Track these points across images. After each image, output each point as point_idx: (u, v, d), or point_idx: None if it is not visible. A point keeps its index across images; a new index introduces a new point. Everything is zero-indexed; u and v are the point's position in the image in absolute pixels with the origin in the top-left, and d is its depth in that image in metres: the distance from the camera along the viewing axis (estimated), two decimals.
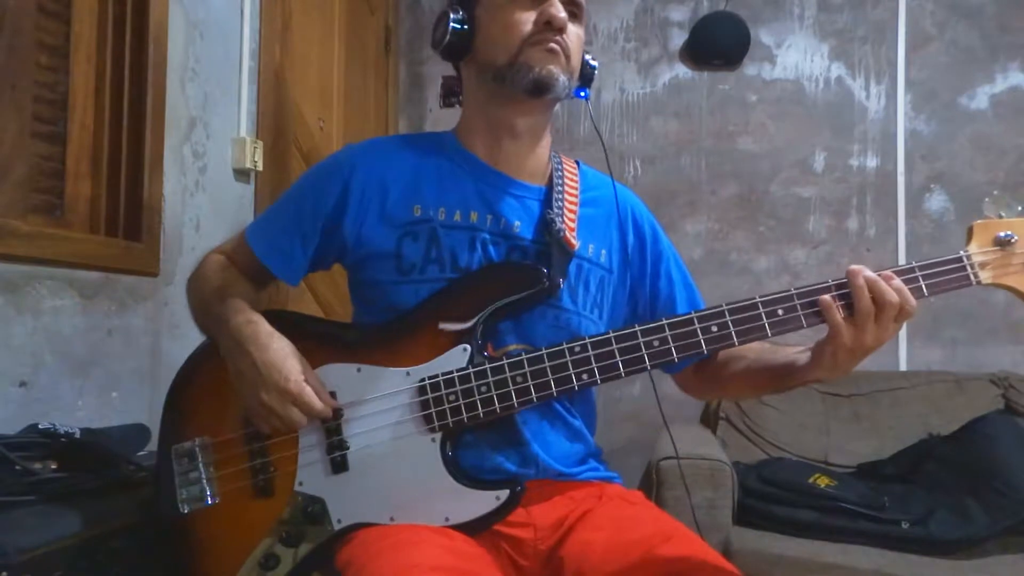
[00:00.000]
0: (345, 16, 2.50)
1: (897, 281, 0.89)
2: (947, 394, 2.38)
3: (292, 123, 2.13)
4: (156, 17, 1.54)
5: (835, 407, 2.41)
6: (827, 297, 0.90)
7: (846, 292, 0.90)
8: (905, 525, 1.79)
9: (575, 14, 1.04)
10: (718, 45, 2.81)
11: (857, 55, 2.80)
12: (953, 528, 1.77)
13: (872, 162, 2.77)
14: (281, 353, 0.94)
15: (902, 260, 2.66)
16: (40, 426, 1.12)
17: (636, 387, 2.59)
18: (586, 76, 1.10)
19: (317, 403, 0.92)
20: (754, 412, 2.41)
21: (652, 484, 1.82)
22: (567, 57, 1.01)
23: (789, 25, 2.85)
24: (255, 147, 1.91)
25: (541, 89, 1.00)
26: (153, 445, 1.26)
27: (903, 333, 2.68)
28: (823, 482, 1.94)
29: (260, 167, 1.93)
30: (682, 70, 2.90)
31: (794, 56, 2.84)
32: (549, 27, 0.99)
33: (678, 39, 2.90)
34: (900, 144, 2.75)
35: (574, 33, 1.04)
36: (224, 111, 1.84)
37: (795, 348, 0.99)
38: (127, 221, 1.51)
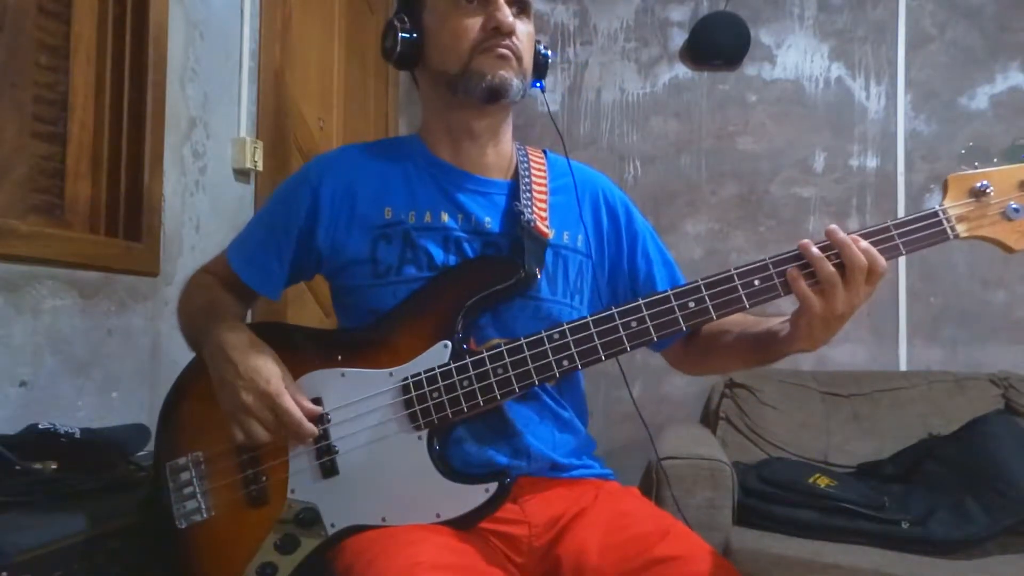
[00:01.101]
0: (345, 16, 2.50)
1: (864, 243, 0.88)
2: (947, 394, 2.37)
3: (292, 123, 2.13)
4: (156, 17, 1.54)
5: (835, 407, 2.41)
6: (793, 269, 0.89)
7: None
8: (905, 525, 1.79)
9: (522, 10, 1.04)
10: (718, 45, 2.81)
11: (857, 55, 2.80)
12: (953, 528, 1.77)
13: (872, 162, 2.77)
14: (262, 359, 0.95)
15: (902, 259, 2.66)
16: (40, 426, 1.12)
17: (636, 387, 2.59)
18: (540, 67, 1.10)
19: (294, 408, 0.92)
20: (754, 412, 2.41)
21: (652, 484, 1.82)
22: (518, 59, 1.02)
23: (789, 25, 2.85)
24: (255, 147, 1.91)
25: (495, 96, 1.01)
26: (152, 445, 1.27)
27: (903, 333, 2.69)
28: (823, 482, 1.94)
29: (260, 167, 1.93)
30: (682, 70, 2.90)
31: (794, 56, 2.84)
32: (497, 32, 0.99)
33: (678, 39, 2.90)
34: (900, 144, 2.75)
35: (524, 31, 1.03)
36: (224, 111, 1.84)
37: (778, 318, 0.99)
38: (127, 221, 1.51)
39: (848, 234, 0.88)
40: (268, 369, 0.94)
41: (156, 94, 1.55)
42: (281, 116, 2.07)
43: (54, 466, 1.05)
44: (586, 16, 2.95)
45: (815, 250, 0.88)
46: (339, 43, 2.47)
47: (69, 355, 1.35)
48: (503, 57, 1.00)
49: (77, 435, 1.12)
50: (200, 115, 1.74)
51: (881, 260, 0.88)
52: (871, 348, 2.71)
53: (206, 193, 1.76)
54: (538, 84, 1.11)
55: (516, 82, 1.01)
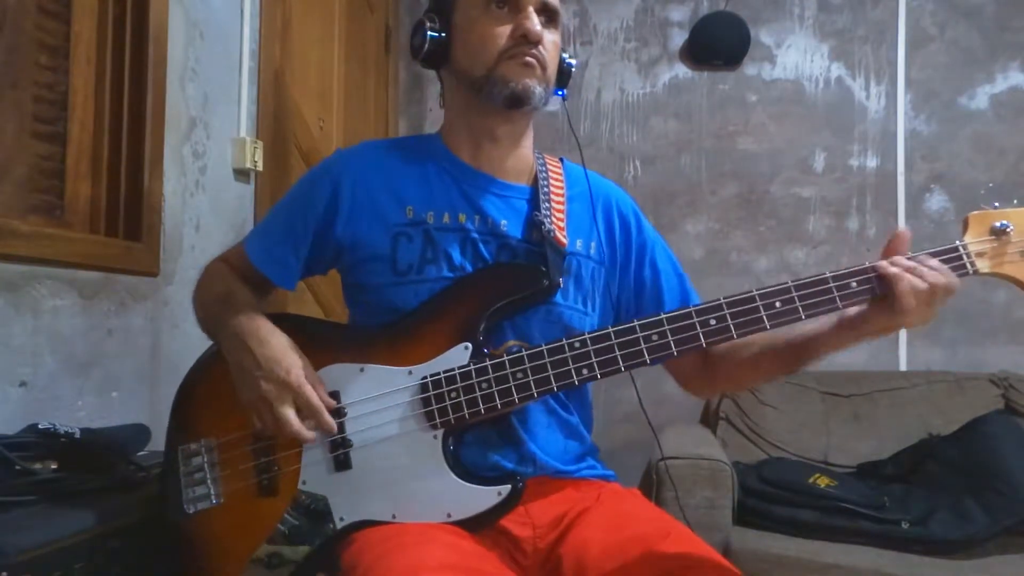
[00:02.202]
0: (345, 16, 2.50)
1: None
2: (947, 394, 2.38)
3: (292, 123, 2.13)
4: (156, 17, 1.54)
5: (835, 407, 2.41)
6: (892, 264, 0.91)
7: (843, 283, 0.91)
8: (905, 525, 1.79)
9: (551, 19, 1.04)
10: (718, 45, 2.81)
11: (857, 55, 2.80)
12: (953, 528, 1.77)
13: (872, 162, 2.77)
14: (281, 348, 0.95)
15: None
16: (40, 426, 1.12)
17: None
18: (563, 75, 1.10)
19: (315, 398, 0.93)
20: (754, 412, 2.41)
21: (652, 484, 1.83)
22: (543, 68, 1.02)
23: (789, 25, 2.85)
24: (255, 147, 1.91)
25: (518, 102, 1.01)
26: (153, 445, 1.27)
27: (903, 333, 2.69)
28: (823, 482, 1.94)
29: (260, 167, 1.93)
30: (682, 70, 2.90)
31: (794, 56, 2.84)
32: (525, 40, 1.00)
33: (678, 39, 2.90)
34: (900, 144, 2.75)
35: (550, 40, 1.04)
36: (224, 111, 1.84)
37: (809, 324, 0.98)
38: (127, 221, 1.51)
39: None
40: (288, 359, 0.94)
41: (156, 94, 1.55)
42: (281, 116, 2.07)
43: (54, 466, 1.05)
44: (586, 16, 2.95)
45: (893, 269, 0.90)
46: (339, 43, 2.47)
47: (69, 355, 1.35)
48: (528, 65, 1.00)
49: (77, 435, 1.12)
50: (200, 115, 1.74)
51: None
52: (871, 348, 2.70)
53: (206, 193, 1.76)
54: (560, 92, 1.12)
55: (539, 90, 1.02)
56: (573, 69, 1.13)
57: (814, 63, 2.83)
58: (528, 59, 1.00)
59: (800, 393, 2.45)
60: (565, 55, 1.10)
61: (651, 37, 2.92)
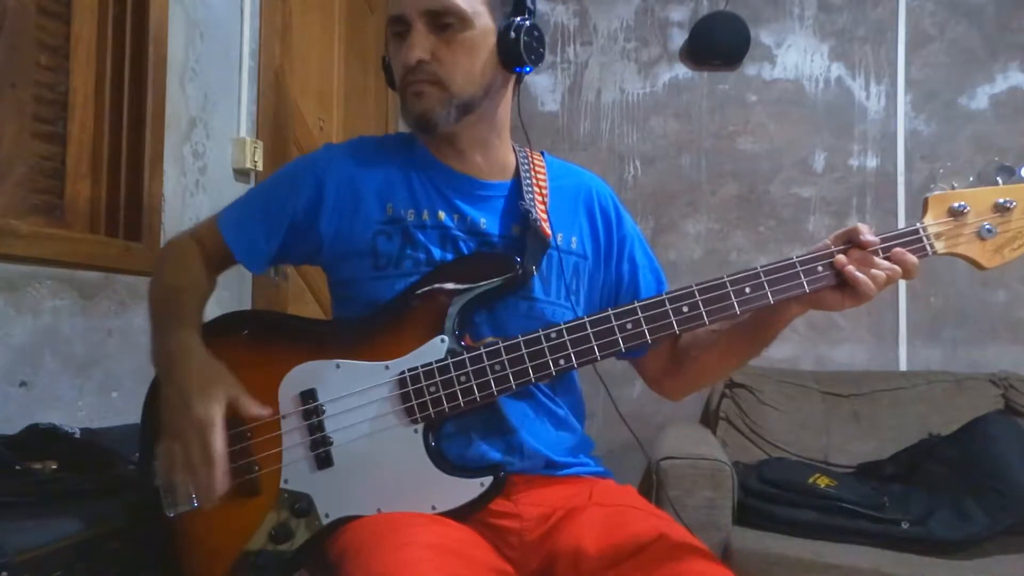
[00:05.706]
0: (345, 16, 2.50)
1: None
2: (947, 394, 2.38)
3: (292, 123, 2.13)
4: (156, 17, 1.54)
5: (835, 407, 2.42)
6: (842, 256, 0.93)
7: (810, 268, 0.94)
8: (905, 525, 1.79)
9: (447, 25, 0.98)
10: (718, 45, 2.81)
11: (857, 55, 2.80)
12: (953, 528, 1.77)
13: (872, 162, 2.77)
14: (202, 382, 0.90)
15: None
16: (40, 426, 1.12)
17: (636, 388, 2.59)
18: (510, 54, 1.01)
19: (208, 451, 0.85)
20: (754, 412, 2.41)
21: (652, 484, 1.83)
22: (440, 84, 0.99)
23: (789, 25, 2.85)
24: (255, 147, 1.91)
25: (424, 130, 1.02)
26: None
27: (903, 333, 2.69)
28: (823, 482, 1.94)
29: (260, 167, 1.93)
30: (682, 70, 2.90)
31: (794, 56, 2.84)
32: (409, 70, 0.99)
33: (678, 39, 2.90)
34: (900, 144, 2.75)
35: (449, 46, 0.99)
36: (224, 111, 1.84)
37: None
38: (127, 221, 1.51)
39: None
40: (209, 399, 0.88)
41: (156, 94, 1.55)
42: (281, 116, 2.07)
43: (54, 466, 1.05)
44: (586, 16, 2.95)
45: (850, 265, 0.93)
46: (339, 43, 2.47)
47: (69, 355, 1.35)
48: (418, 94, 1.00)
49: (77, 435, 1.12)
50: (200, 115, 1.74)
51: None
52: (871, 348, 2.71)
53: (206, 193, 1.76)
54: (526, 70, 1.04)
55: (440, 112, 1.00)
56: (523, 28, 1.01)
57: (814, 63, 2.83)
58: (414, 88, 1.00)
59: (800, 393, 2.45)
60: (515, 22, 1.01)
61: (651, 37, 2.92)
